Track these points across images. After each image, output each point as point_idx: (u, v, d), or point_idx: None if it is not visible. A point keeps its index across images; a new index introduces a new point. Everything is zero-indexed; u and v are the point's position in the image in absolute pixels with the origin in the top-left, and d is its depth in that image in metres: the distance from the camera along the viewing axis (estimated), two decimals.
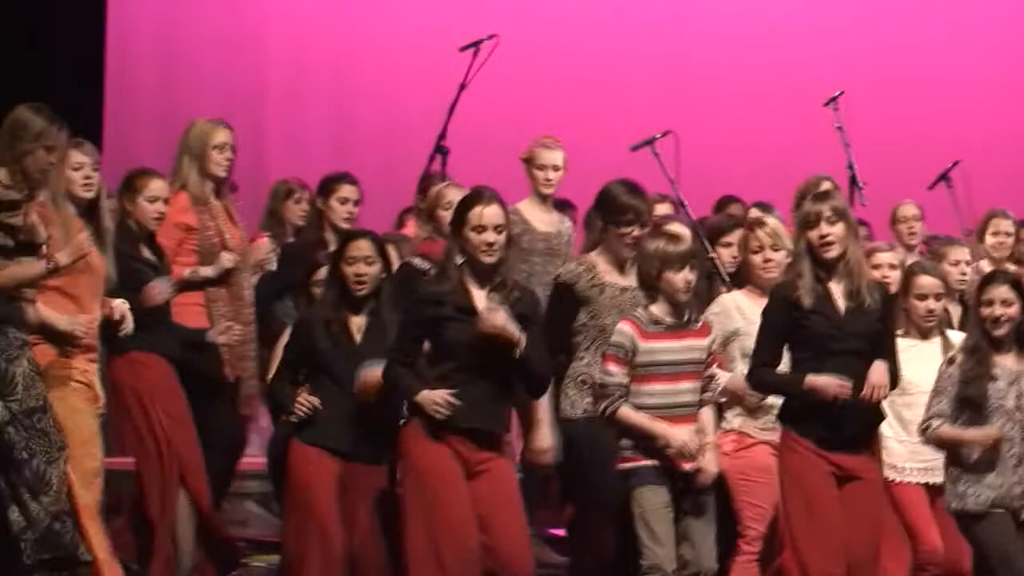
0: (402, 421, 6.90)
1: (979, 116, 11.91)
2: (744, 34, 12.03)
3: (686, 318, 6.71)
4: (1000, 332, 6.74)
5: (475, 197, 6.68)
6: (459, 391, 6.52)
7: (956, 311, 7.92)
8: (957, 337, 7.21)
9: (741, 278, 7.52)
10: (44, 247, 6.38)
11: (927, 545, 7.13)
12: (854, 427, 6.58)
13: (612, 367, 6.65)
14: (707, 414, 6.76)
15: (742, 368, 7.03)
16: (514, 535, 6.61)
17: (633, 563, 6.66)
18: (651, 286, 6.71)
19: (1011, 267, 8.36)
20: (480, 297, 6.62)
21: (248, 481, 8.95)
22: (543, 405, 7.20)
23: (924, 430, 6.78)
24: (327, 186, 8.56)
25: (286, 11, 12.05)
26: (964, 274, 8.29)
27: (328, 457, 7.03)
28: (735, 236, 7.83)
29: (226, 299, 7.95)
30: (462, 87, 9.27)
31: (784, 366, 6.71)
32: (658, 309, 6.70)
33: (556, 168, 8.34)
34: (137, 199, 7.54)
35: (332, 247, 7.82)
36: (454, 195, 7.49)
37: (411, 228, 8.98)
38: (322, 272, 7.47)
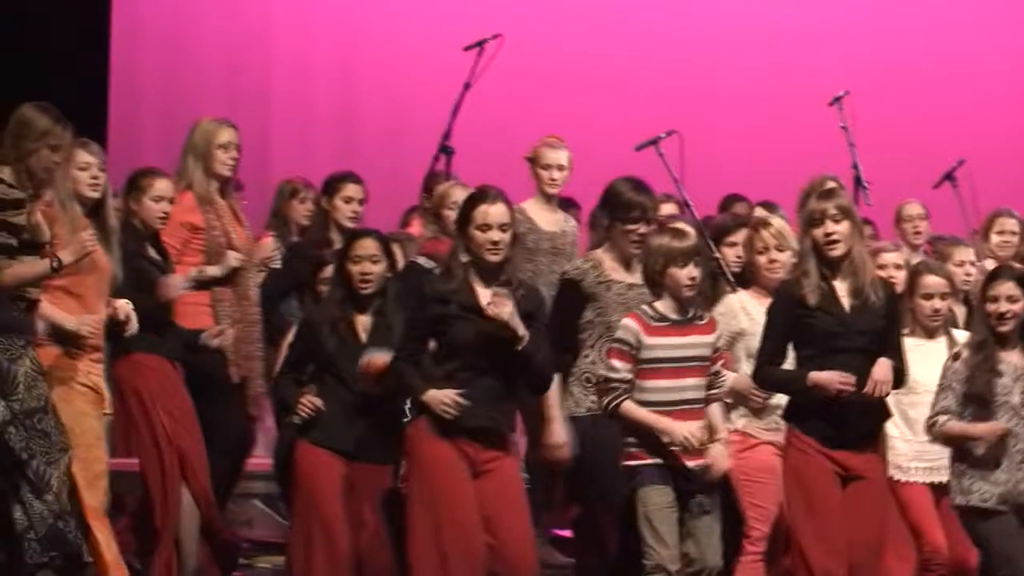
0: (405, 420, 6.91)
1: (984, 115, 11.90)
2: (749, 34, 12.02)
3: (691, 314, 6.71)
4: (1005, 328, 6.75)
5: (480, 196, 6.69)
6: (465, 390, 6.53)
7: (961, 312, 7.91)
8: (962, 337, 7.21)
9: (746, 278, 7.52)
10: (48, 246, 6.39)
11: (931, 544, 7.11)
12: (859, 425, 6.59)
13: (616, 362, 6.64)
14: (716, 410, 6.76)
15: (747, 369, 7.03)
16: (518, 536, 6.61)
17: (637, 563, 6.65)
18: (656, 282, 6.70)
19: (1017, 266, 8.34)
20: (486, 296, 6.62)
21: (254, 482, 8.95)
22: (554, 401, 7.18)
23: (931, 426, 6.79)
24: (332, 185, 8.56)
25: (291, 11, 12.05)
26: (969, 275, 8.29)
27: (333, 457, 7.03)
28: (739, 236, 7.81)
29: (232, 299, 7.96)
30: (467, 87, 9.28)
31: (789, 365, 6.71)
32: (663, 305, 6.69)
33: (561, 168, 8.34)
34: (142, 199, 7.54)
35: (337, 246, 7.82)
36: (460, 195, 7.49)
37: (416, 227, 8.98)
38: (329, 270, 7.47)
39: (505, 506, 6.60)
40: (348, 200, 8.49)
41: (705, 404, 6.70)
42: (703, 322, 6.74)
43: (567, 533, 8.42)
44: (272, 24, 12.02)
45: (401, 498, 6.91)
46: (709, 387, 6.72)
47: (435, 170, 9.16)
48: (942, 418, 6.74)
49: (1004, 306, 6.74)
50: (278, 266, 8.60)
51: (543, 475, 7.94)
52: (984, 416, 6.68)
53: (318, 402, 7.04)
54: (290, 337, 7.43)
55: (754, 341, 6.97)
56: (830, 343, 6.57)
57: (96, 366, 6.70)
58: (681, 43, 12.00)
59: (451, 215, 7.40)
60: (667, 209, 8.42)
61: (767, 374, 6.71)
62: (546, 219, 8.29)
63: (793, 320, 6.63)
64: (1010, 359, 6.75)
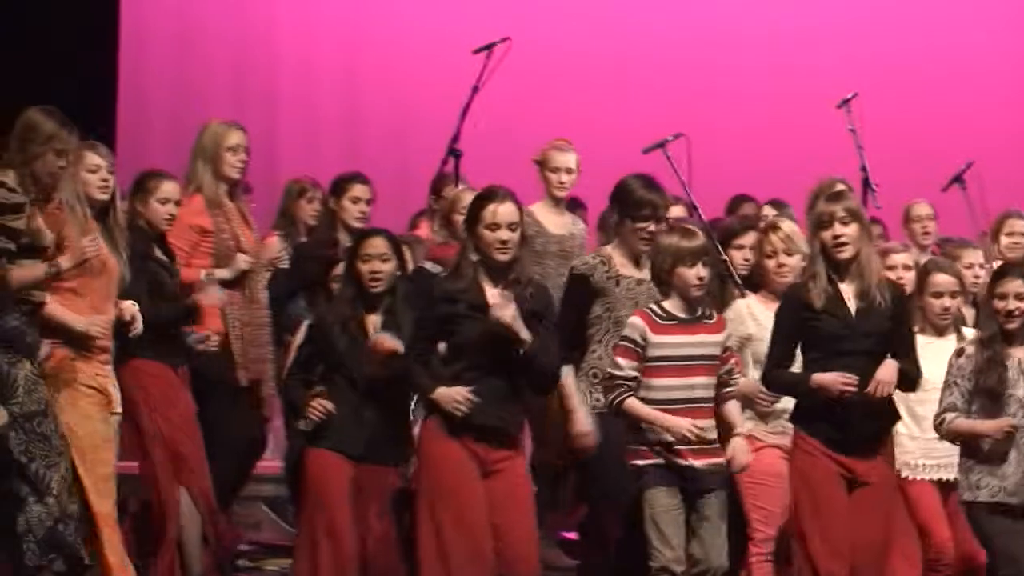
0: (412, 420, 6.91)
1: (992, 117, 11.89)
2: (756, 36, 12.01)
3: (699, 313, 6.71)
4: (1013, 325, 6.76)
5: (489, 195, 6.70)
6: (474, 389, 6.53)
7: (970, 315, 7.90)
8: (972, 335, 7.20)
9: (755, 282, 7.52)
10: (49, 250, 6.40)
11: (938, 544, 7.11)
12: (862, 427, 6.58)
13: (621, 360, 6.65)
14: (733, 407, 6.78)
15: (754, 373, 7.04)
16: (522, 538, 6.62)
17: (641, 563, 6.65)
18: (664, 281, 6.71)
19: None
20: (494, 295, 6.63)
21: (262, 484, 8.96)
22: (572, 392, 7.15)
23: (938, 425, 6.79)
24: (339, 186, 8.56)
25: (298, 13, 12.06)
26: (978, 277, 8.27)
27: (341, 460, 7.02)
28: (747, 239, 7.82)
29: (240, 302, 7.97)
30: (475, 89, 9.28)
31: (798, 368, 6.72)
32: (671, 304, 6.70)
33: (569, 171, 8.34)
34: (148, 200, 7.54)
35: (345, 246, 7.81)
36: (470, 200, 7.48)
37: (424, 230, 8.98)
38: (340, 269, 7.45)
39: (511, 508, 6.60)
40: (356, 200, 8.48)
41: (721, 402, 6.72)
42: (712, 321, 6.74)
43: (574, 535, 8.41)
44: (278, 25, 12.03)
45: (411, 498, 6.91)
46: (724, 385, 6.72)
47: (443, 172, 9.17)
48: (949, 416, 6.74)
49: (1012, 303, 6.75)
50: (286, 266, 8.61)
51: (548, 476, 7.93)
52: (993, 410, 6.68)
53: (329, 405, 7.02)
54: (299, 338, 7.43)
55: (761, 346, 6.99)
56: (836, 346, 6.57)
57: (104, 367, 6.70)
58: (688, 45, 12.00)
59: (461, 220, 7.39)
60: (675, 211, 8.42)
61: (775, 377, 6.73)
62: (554, 222, 8.29)
63: (799, 323, 6.64)
64: (1016, 355, 6.75)
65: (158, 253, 7.55)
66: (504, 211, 6.63)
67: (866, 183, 9.28)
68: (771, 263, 7.28)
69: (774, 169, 10.79)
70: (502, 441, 6.63)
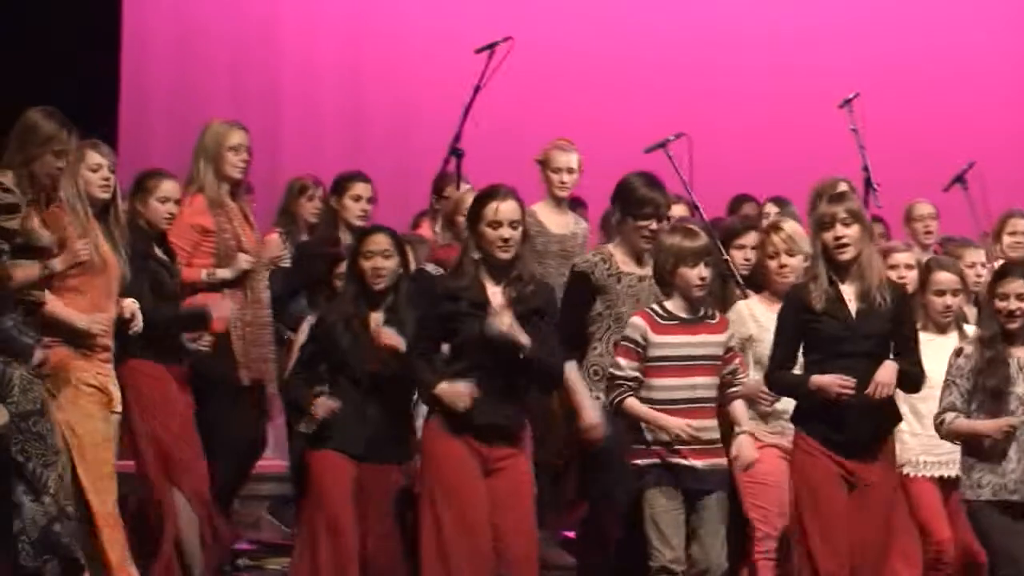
0: (418, 421, 6.91)
1: (994, 117, 11.90)
2: (758, 36, 12.02)
3: (701, 313, 6.71)
4: (1015, 325, 6.76)
5: (491, 193, 6.70)
6: (476, 382, 6.53)
7: (972, 314, 7.90)
8: (974, 332, 7.21)
9: (757, 281, 7.52)
10: (45, 250, 6.40)
11: (939, 543, 7.12)
12: (860, 428, 6.59)
13: (622, 360, 6.66)
14: (738, 406, 6.79)
15: (754, 374, 7.05)
16: (522, 537, 6.62)
17: (640, 563, 6.65)
18: (666, 281, 6.71)
19: None
20: (496, 293, 6.64)
21: (262, 484, 8.96)
22: (578, 386, 7.14)
23: (939, 425, 6.79)
24: (340, 184, 8.57)
25: (300, 13, 12.07)
26: (980, 276, 8.28)
27: (344, 459, 7.01)
28: (748, 239, 7.84)
29: (242, 301, 7.96)
30: (477, 89, 9.27)
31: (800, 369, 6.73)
32: (673, 304, 6.70)
33: (571, 171, 8.34)
34: (148, 200, 7.54)
35: (347, 245, 7.81)
36: None
37: (426, 229, 8.99)
38: (343, 267, 7.44)
39: (513, 506, 6.61)
40: (357, 199, 8.49)
41: (726, 403, 6.72)
42: (714, 321, 6.74)
43: (575, 535, 8.41)
44: (280, 25, 12.04)
45: (414, 497, 6.91)
46: (728, 386, 6.73)
47: (445, 172, 9.16)
48: (949, 416, 6.75)
49: (1014, 304, 6.75)
50: (287, 265, 8.61)
51: (549, 475, 7.92)
52: (995, 409, 6.68)
53: (334, 404, 7.01)
54: (302, 336, 7.42)
55: (762, 347, 7.01)
56: (836, 347, 6.58)
57: (105, 366, 6.71)
58: (690, 45, 12.01)
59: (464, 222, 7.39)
60: (677, 210, 8.42)
61: (777, 378, 6.75)
62: (555, 222, 8.29)
63: (800, 325, 6.65)
64: (1017, 354, 6.75)
65: (158, 252, 7.55)
66: (506, 209, 6.63)
67: (868, 183, 9.28)
68: (773, 264, 7.28)
69: (776, 169, 10.79)
70: (504, 439, 6.64)
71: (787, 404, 6.94)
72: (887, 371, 6.57)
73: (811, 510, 6.59)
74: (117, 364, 6.87)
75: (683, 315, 6.68)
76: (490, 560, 6.54)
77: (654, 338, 6.63)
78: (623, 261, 7.26)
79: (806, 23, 12.11)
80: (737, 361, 6.79)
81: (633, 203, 7.24)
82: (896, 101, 11.36)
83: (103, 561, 6.60)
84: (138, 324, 6.88)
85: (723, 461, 6.70)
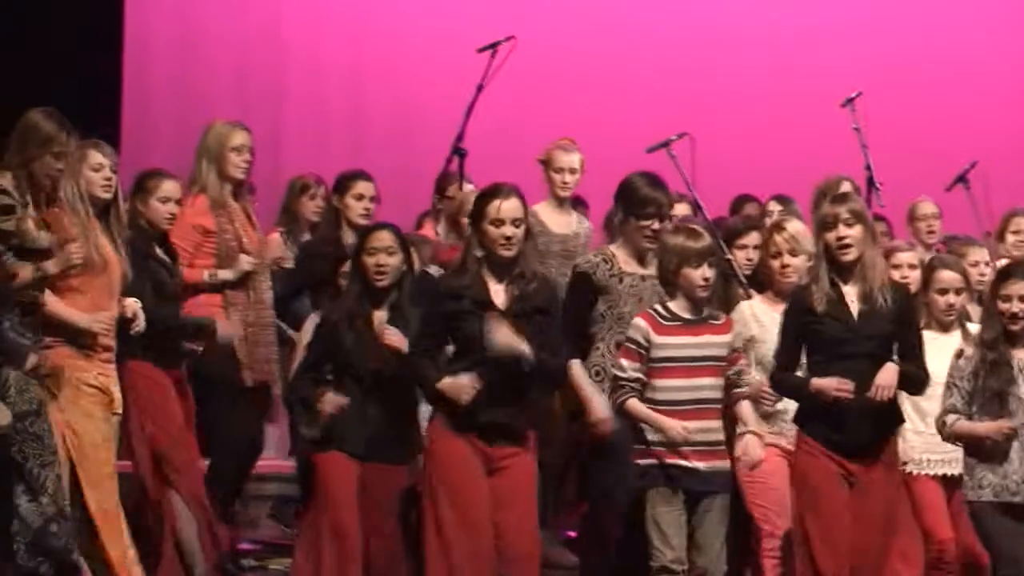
0: (424, 422, 6.92)
1: (996, 117, 11.89)
2: (761, 35, 12.02)
3: (705, 314, 6.70)
4: (1017, 327, 6.75)
5: (494, 191, 6.70)
6: (478, 373, 6.53)
7: (976, 311, 7.90)
8: (977, 330, 7.21)
9: (760, 281, 7.52)
10: (41, 251, 6.40)
11: (941, 542, 7.11)
12: (859, 430, 6.59)
13: (624, 361, 6.67)
14: (745, 407, 6.80)
15: (756, 375, 7.04)
16: (523, 536, 6.63)
17: (641, 562, 6.66)
18: (669, 282, 6.71)
19: None
20: (498, 291, 6.64)
21: (265, 484, 8.96)
22: (584, 381, 7.12)
23: (940, 426, 6.79)
24: (342, 184, 8.57)
25: (303, 13, 12.07)
26: (983, 275, 8.27)
27: (349, 460, 7.01)
28: (750, 238, 7.84)
29: (244, 302, 7.96)
30: (480, 88, 9.27)
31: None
32: (676, 305, 6.70)
33: (573, 171, 8.35)
34: (149, 200, 7.54)
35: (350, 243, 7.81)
36: None
37: (428, 230, 8.98)
38: (347, 266, 7.42)
39: (515, 505, 6.61)
40: (359, 197, 8.49)
41: (732, 404, 6.72)
42: (719, 322, 6.74)
43: (576, 534, 8.41)
44: (282, 25, 12.04)
45: (417, 497, 6.91)
46: (734, 386, 6.72)
47: (448, 171, 9.16)
48: (950, 417, 6.74)
49: (1016, 306, 6.73)
50: (290, 266, 8.61)
51: (552, 475, 7.92)
52: (998, 411, 6.67)
53: (342, 400, 7.01)
54: (306, 336, 7.41)
55: (763, 348, 7.02)
56: (838, 349, 6.58)
57: (107, 367, 6.71)
58: (693, 45, 12.00)
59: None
60: (680, 210, 8.42)
61: (780, 380, 6.75)
62: (557, 222, 8.29)
63: (802, 327, 6.65)
64: (1018, 355, 6.74)
65: (159, 253, 7.55)
66: (508, 207, 6.64)
67: (871, 182, 9.27)
68: (775, 263, 7.27)
69: (778, 168, 10.79)
70: (508, 438, 6.64)
71: (787, 404, 6.94)
72: (888, 374, 6.56)
73: (812, 511, 6.59)
74: (117, 365, 6.88)
75: (686, 316, 6.68)
76: (491, 559, 6.55)
77: (656, 339, 6.63)
78: (625, 261, 7.25)
79: (808, 23, 12.10)
80: (743, 362, 6.79)
81: (635, 203, 7.23)
82: (898, 100, 11.35)
83: (104, 561, 6.60)
84: (140, 324, 6.88)
85: (726, 463, 6.70)
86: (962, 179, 9.75)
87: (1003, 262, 8.57)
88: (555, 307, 6.82)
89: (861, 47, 11.93)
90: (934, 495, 7.19)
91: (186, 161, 8.18)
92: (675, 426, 6.54)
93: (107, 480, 6.65)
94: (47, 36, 10.97)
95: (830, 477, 6.59)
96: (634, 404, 6.63)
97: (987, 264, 8.37)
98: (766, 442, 7.09)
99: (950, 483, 7.16)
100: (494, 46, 9.26)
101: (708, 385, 6.67)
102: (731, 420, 6.91)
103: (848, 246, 6.61)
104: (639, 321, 6.70)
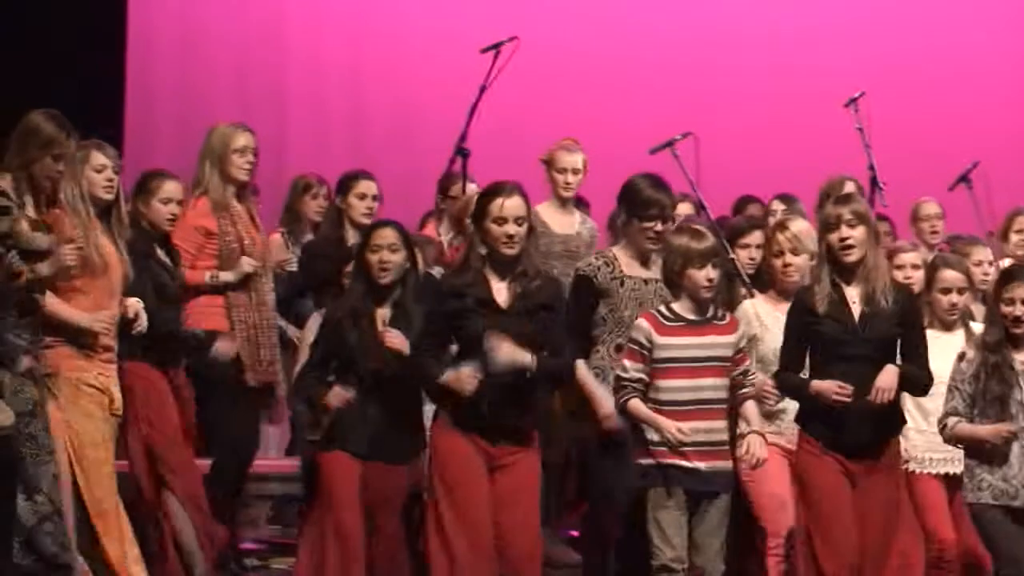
0: (427, 421, 6.92)
1: (998, 117, 11.89)
2: (764, 35, 12.02)
3: (709, 314, 6.70)
4: (1020, 330, 6.74)
5: (496, 189, 6.70)
6: (479, 367, 6.52)
7: (980, 311, 7.90)
8: (980, 330, 7.20)
9: (763, 280, 7.52)
10: (44, 254, 6.40)
11: (942, 542, 7.11)
12: (859, 432, 6.58)
13: (627, 362, 6.67)
14: (750, 407, 6.78)
15: (757, 374, 7.04)
16: (524, 535, 6.63)
17: (642, 561, 6.66)
18: (674, 282, 6.71)
19: None
20: (501, 289, 6.64)
21: (266, 483, 8.96)
22: (589, 379, 7.12)
23: (942, 428, 6.79)
24: (345, 183, 8.59)
25: (304, 13, 12.07)
26: (987, 274, 8.27)
27: (352, 460, 7.02)
28: (753, 238, 7.83)
29: (247, 304, 7.96)
30: (483, 89, 9.27)
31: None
32: (680, 306, 6.70)
33: (576, 171, 8.35)
34: (151, 201, 7.55)
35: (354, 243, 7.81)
36: None
37: (431, 230, 8.98)
38: (351, 266, 7.42)
39: (516, 503, 6.61)
40: (362, 197, 8.50)
41: (737, 403, 6.73)
42: (723, 322, 6.73)
43: (577, 534, 8.42)
44: (284, 26, 12.05)
45: (420, 496, 6.91)
46: (739, 387, 6.72)
47: (451, 172, 9.16)
48: (952, 420, 6.74)
49: (1019, 309, 6.72)
50: (294, 269, 8.60)
51: (554, 474, 7.92)
52: (1000, 413, 6.67)
53: (348, 394, 7.00)
54: (310, 335, 7.41)
55: (764, 347, 7.03)
56: (838, 350, 6.58)
57: (107, 367, 6.71)
58: (696, 46, 12.01)
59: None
60: (683, 209, 8.42)
61: (782, 380, 6.76)
62: (559, 222, 8.29)
63: (804, 327, 6.65)
64: (1020, 358, 6.74)
65: (160, 254, 7.55)
66: (511, 205, 6.63)
67: (874, 182, 9.27)
68: (778, 263, 7.27)
69: (781, 168, 10.78)
70: (512, 437, 6.63)
71: (788, 404, 6.95)
72: (888, 376, 6.55)
73: (814, 510, 6.60)
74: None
75: (690, 316, 6.67)
76: (492, 558, 6.54)
77: (659, 340, 6.63)
78: (627, 264, 7.24)
79: (810, 23, 12.11)
80: (748, 363, 6.78)
81: (638, 204, 7.22)
82: (900, 101, 11.35)
83: (104, 561, 6.60)
84: (142, 324, 6.88)
85: (728, 463, 6.69)
86: (964, 179, 9.75)
87: (1007, 262, 8.58)
88: (560, 304, 6.81)
89: (862, 47, 11.93)
90: (936, 495, 7.19)
91: (189, 161, 8.18)
92: (671, 427, 6.54)
93: (107, 480, 6.66)
94: (48, 36, 10.97)
95: (832, 477, 6.59)
96: (635, 404, 6.63)
97: (991, 264, 8.36)
98: (768, 441, 7.10)
99: (952, 482, 7.15)
100: (497, 47, 9.26)
101: (711, 385, 6.66)
102: (733, 419, 6.91)
103: (851, 247, 6.60)
104: (641, 322, 6.70)
